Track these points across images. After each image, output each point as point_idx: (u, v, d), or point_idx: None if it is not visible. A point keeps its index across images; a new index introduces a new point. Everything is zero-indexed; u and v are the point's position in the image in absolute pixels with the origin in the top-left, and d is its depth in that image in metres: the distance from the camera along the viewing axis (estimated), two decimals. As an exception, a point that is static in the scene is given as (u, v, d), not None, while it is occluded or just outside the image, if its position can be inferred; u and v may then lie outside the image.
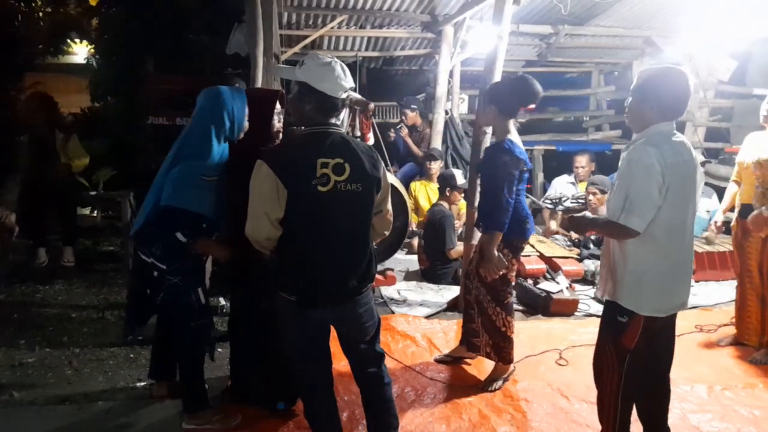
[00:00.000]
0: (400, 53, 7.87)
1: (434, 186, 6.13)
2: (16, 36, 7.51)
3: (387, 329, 3.97)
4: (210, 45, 7.72)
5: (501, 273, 3.14)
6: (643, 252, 2.29)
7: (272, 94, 2.91)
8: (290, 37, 6.82)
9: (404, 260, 5.79)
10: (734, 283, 3.99)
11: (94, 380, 3.28)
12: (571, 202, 5.75)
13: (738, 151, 3.93)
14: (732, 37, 6.19)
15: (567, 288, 4.60)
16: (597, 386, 2.50)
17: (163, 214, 2.60)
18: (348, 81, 2.24)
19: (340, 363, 2.52)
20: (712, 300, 4.80)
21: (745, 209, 3.68)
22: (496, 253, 3.08)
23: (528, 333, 3.98)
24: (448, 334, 4.01)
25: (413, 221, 5.87)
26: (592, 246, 5.49)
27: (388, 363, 2.56)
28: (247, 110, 2.70)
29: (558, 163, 7.28)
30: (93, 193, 5.61)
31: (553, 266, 4.91)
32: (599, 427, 2.51)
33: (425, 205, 6.10)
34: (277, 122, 2.82)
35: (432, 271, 5.19)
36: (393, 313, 4.41)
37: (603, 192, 5.34)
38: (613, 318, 2.37)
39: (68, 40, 9.50)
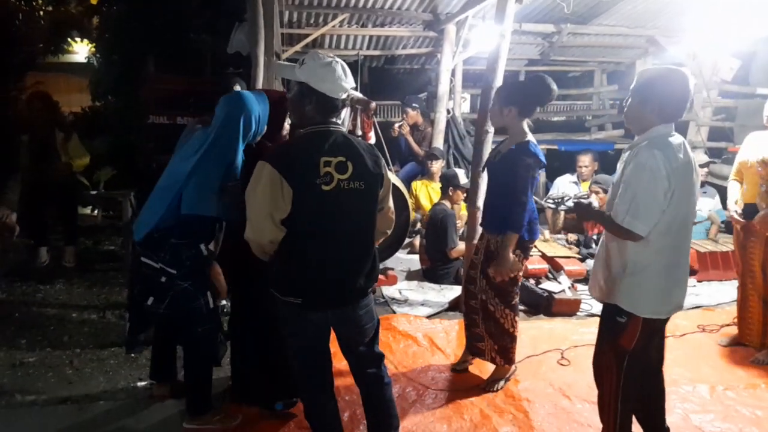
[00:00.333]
0: (401, 52, 7.86)
1: (435, 185, 6.12)
2: (16, 35, 7.52)
3: (388, 329, 3.96)
4: (211, 44, 7.73)
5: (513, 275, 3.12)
6: (642, 254, 2.28)
7: (285, 95, 2.90)
8: (291, 36, 6.81)
9: (406, 260, 5.78)
10: (736, 283, 3.98)
11: (95, 380, 3.28)
12: (574, 202, 5.72)
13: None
14: (735, 37, 6.16)
15: (569, 288, 4.60)
16: (597, 387, 2.49)
17: (185, 223, 2.56)
18: (349, 81, 2.22)
19: (341, 363, 2.51)
20: (715, 300, 4.79)
21: (749, 209, 3.66)
22: (512, 255, 3.05)
23: (530, 333, 3.97)
24: (449, 333, 4.00)
25: (414, 218, 5.85)
26: (594, 246, 5.48)
27: (389, 363, 2.55)
28: (268, 114, 2.67)
29: (560, 163, 7.27)
30: (94, 192, 5.61)
31: (555, 266, 4.90)
32: (601, 427, 2.50)
33: (426, 205, 6.09)
34: (287, 124, 2.81)
35: (433, 271, 5.18)
36: (394, 312, 4.40)
37: (606, 191, 5.32)
38: (612, 319, 2.37)
39: (69, 39, 9.54)
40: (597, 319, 2.54)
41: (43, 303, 4.49)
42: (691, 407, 3.08)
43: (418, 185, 6.36)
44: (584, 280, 5.04)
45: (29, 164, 4.91)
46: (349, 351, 2.42)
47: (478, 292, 3.28)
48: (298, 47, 6.63)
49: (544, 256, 5.10)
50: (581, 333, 3.95)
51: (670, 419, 2.63)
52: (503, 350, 3.26)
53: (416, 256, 5.55)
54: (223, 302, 4.14)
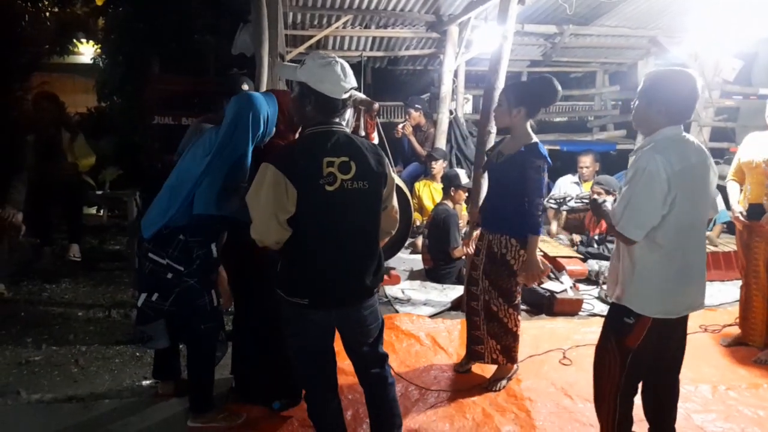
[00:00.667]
0: (404, 53, 7.88)
1: (437, 185, 6.14)
2: (22, 36, 7.54)
3: (391, 328, 3.97)
4: (215, 45, 7.76)
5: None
6: (649, 257, 2.28)
7: (290, 95, 2.92)
8: (295, 37, 6.83)
9: (408, 259, 5.80)
10: (739, 283, 3.98)
11: (101, 378, 3.31)
12: (576, 202, 5.73)
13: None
14: (738, 37, 6.16)
15: (571, 288, 4.60)
16: (594, 384, 2.49)
17: (198, 223, 2.59)
18: (349, 81, 2.20)
19: (344, 362, 2.52)
20: (717, 300, 4.79)
21: (753, 209, 3.65)
22: (537, 257, 3.07)
23: (532, 332, 3.98)
24: (452, 333, 4.02)
25: (417, 219, 5.87)
26: (595, 245, 5.49)
27: (391, 362, 2.57)
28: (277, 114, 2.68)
29: (562, 163, 7.26)
30: (99, 192, 5.65)
31: (557, 266, 4.90)
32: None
33: (429, 205, 6.11)
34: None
35: (436, 271, 5.20)
36: (397, 312, 4.41)
37: (608, 192, 5.32)
38: (620, 319, 2.36)
39: (75, 40, 9.57)
40: (599, 319, 2.56)
41: (49, 302, 4.52)
42: (693, 407, 3.08)
43: (420, 186, 6.38)
44: (586, 279, 5.07)
45: (35, 164, 4.94)
46: (353, 351, 2.41)
47: (480, 293, 3.27)
48: (302, 48, 6.66)
49: (546, 255, 5.11)
50: (583, 333, 3.96)
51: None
52: (506, 349, 3.27)
53: (419, 256, 5.57)
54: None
